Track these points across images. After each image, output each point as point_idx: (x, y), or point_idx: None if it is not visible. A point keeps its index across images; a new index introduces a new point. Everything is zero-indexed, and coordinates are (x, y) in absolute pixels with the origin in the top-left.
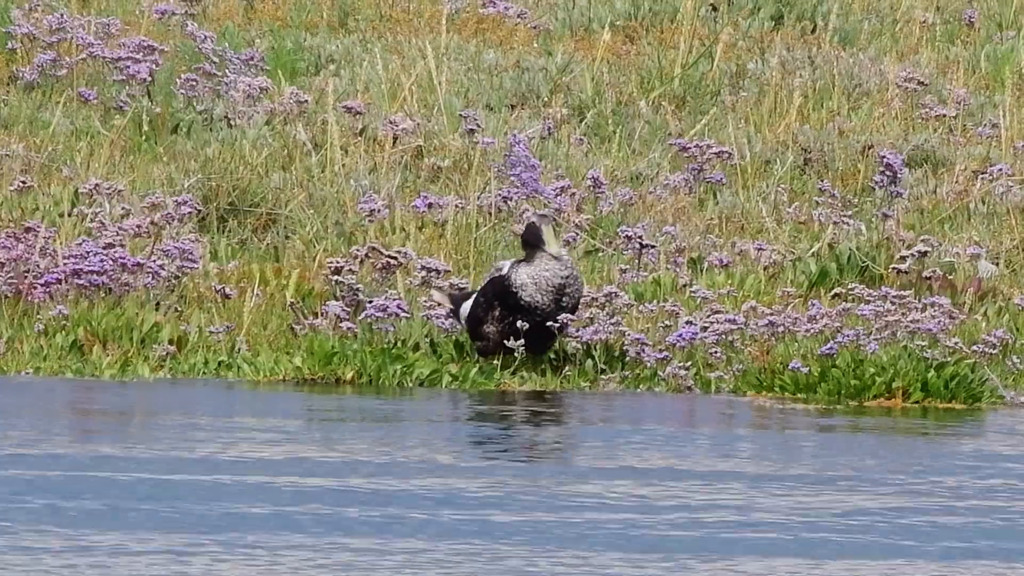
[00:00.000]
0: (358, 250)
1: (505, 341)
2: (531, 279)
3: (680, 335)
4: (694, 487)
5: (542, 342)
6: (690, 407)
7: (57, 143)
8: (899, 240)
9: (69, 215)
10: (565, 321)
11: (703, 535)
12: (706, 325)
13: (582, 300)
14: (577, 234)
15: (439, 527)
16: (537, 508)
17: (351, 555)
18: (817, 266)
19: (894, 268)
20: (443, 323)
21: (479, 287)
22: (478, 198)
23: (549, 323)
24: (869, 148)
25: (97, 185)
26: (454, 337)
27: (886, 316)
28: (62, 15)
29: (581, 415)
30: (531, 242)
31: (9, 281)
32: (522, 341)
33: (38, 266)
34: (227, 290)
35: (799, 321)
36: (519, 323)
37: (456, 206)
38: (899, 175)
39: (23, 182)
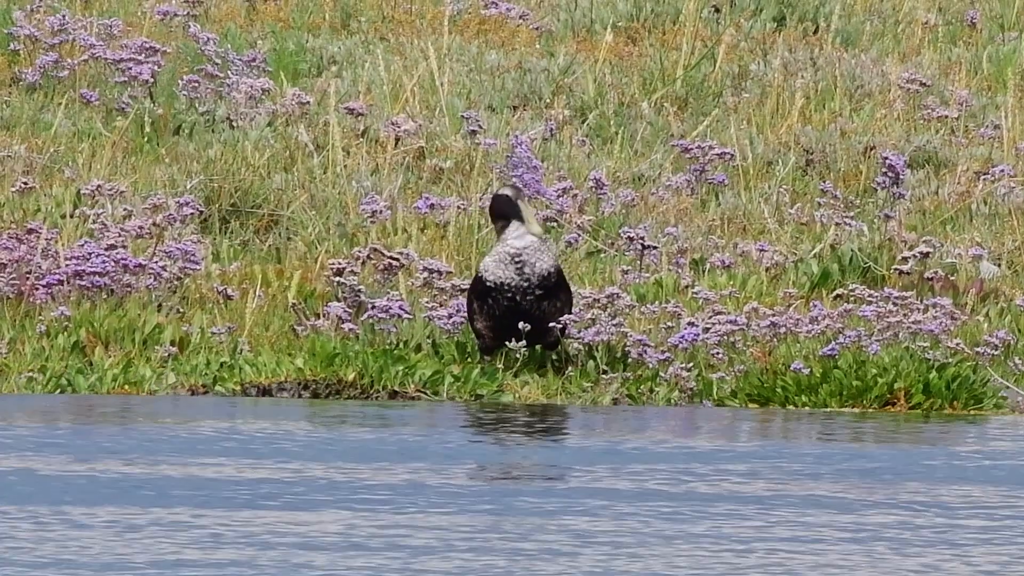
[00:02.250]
0: (360, 251)
1: (506, 342)
2: (490, 258)
3: (682, 336)
4: None
5: (538, 332)
6: None
7: (59, 144)
8: (901, 241)
9: (71, 216)
10: (566, 322)
11: None
12: (708, 326)
13: (575, 296)
14: (579, 235)
15: None
16: None
17: None
18: (819, 267)
19: (896, 269)
20: (445, 324)
21: None
22: (480, 199)
23: (552, 324)
24: (871, 149)
25: (99, 186)
26: (456, 338)
27: (888, 317)
28: (64, 16)
29: None
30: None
31: (11, 282)
32: (523, 343)
33: (40, 267)
34: (229, 291)
35: (801, 322)
36: (521, 324)
37: (458, 207)
38: (901, 176)
39: (25, 183)
